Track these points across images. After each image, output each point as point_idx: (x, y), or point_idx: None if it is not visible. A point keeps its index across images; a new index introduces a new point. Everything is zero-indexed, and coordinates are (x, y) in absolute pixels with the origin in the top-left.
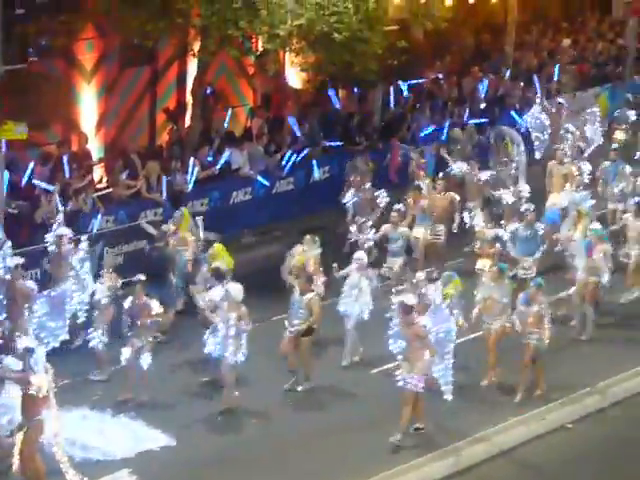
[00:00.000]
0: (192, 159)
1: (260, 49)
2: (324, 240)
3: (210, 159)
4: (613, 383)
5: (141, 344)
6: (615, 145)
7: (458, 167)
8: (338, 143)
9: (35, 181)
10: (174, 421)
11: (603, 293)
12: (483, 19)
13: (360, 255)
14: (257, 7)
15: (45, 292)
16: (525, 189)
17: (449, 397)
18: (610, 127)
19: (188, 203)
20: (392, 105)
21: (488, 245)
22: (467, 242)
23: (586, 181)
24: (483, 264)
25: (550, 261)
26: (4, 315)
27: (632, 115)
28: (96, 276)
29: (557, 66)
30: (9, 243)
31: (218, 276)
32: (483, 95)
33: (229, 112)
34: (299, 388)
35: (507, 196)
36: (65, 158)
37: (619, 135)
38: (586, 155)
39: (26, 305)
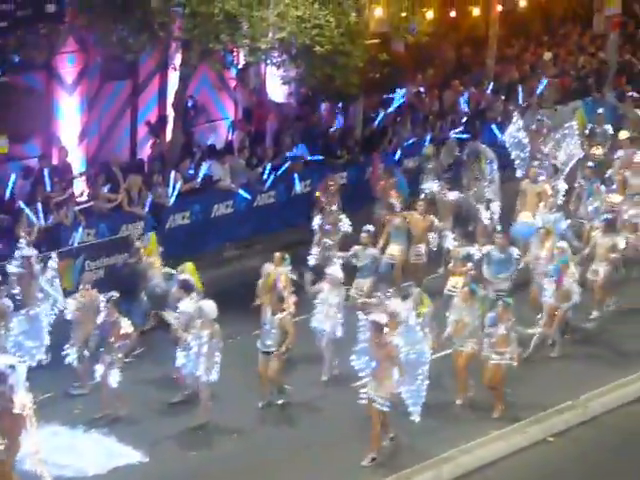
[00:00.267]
0: (173, 172)
1: (242, 62)
2: (304, 254)
3: (192, 172)
4: (591, 397)
5: (110, 360)
6: (590, 163)
7: (428, 187)
8: (317, 157)
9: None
10: (146, 437)
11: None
12: (464, 33)
13: (332, 270)
14: (238, 20)
15: (22, 311)
16: (496, 209)
17: (417, 418)
18: (588, 143)
19: (169, 217)
20: (376, 120)
21: (460, 263)
22: (440, 263)
23: (560, 202)
24: (455, 282)
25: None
26: None
27: (610, 131)
28: (76, 291)
29: (544, 81)
30: None
31: (186, 288)
32: (464, 109)
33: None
34: (279, 402)
35: (482, 214)
36: (46, 172)
37: (597, 151)
38: (563, 174)
39: (2, 323)
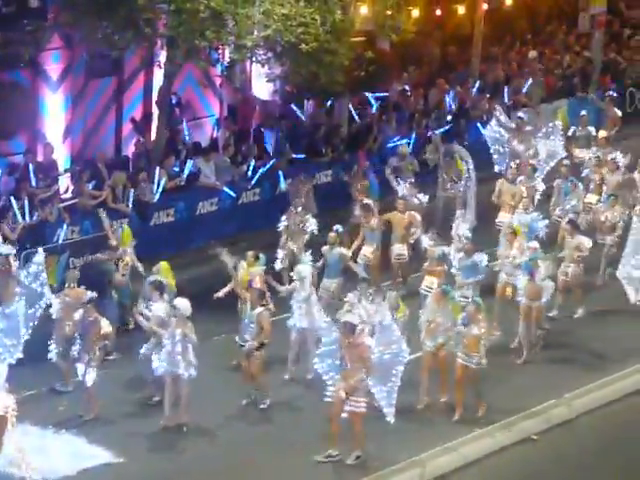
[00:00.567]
0: (158, 169)
1: (227, 60)
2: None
3: (176, 169)
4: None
5: (88, 359)
6: (566, 162)
7: (400, 188)
8: (301, 156)
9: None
10: (117, 438)
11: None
12: (450, 31)
13: (301, 269)
14: (224, 18)
15: None
16: (471, 221)
17: (391, 419)
18: (570, 143)
19: (154, 214)
20: (357, 117)
21: (436, 263)
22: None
23: (537, 200)
24: (431, 281)
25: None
26: None
27: (593, 132)
28: (60, 288)
29: (529, 80)
30: None
31: (158, 289)
32: (450, 107)
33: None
34: (261, 406)
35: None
36: (31, 168)
37: (580, 153)
38: (542, 173)
39: None
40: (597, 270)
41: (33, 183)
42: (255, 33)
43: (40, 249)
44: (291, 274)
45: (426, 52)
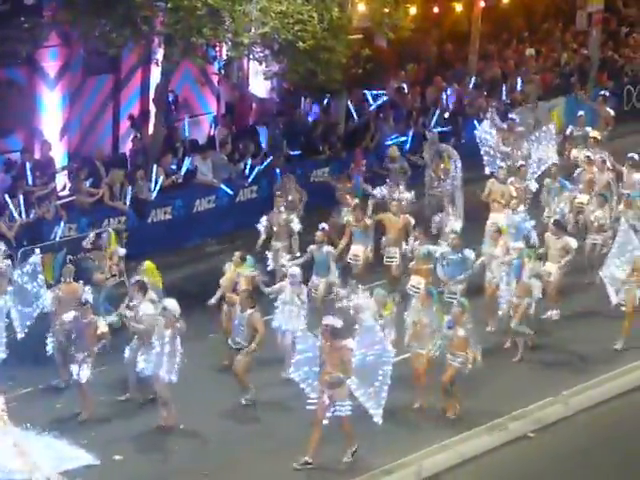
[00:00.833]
0: (156, 167)
1: (224, 57)
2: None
3: (174, 167)
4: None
5: (82, 357)
6: (556, 162)
7: (377, 191)
8: (297, 152)
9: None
10: (98, 439)
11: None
12: (447, 29)
13: (294, 271)
14: (221, 15)
15: None
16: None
17: (379, 420)
18: (566, 144)
19: (152, 211)
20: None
21: (422, 262)
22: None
23: (528, 201)
24: (417, 281)
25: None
26: None
27: (590, 132)
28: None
29: (526, 78)
30: None
31: (141, 289)
32: (447, 104)
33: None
34: (242, 401)
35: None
36: (28, 166)
37: (576, 153)
38: (535, 174)
39: None
40: (585, 270)
41: (30, 181)
42: (252, 30)
43: (37, 250)
44: (283, 269)
45: (423, 50)
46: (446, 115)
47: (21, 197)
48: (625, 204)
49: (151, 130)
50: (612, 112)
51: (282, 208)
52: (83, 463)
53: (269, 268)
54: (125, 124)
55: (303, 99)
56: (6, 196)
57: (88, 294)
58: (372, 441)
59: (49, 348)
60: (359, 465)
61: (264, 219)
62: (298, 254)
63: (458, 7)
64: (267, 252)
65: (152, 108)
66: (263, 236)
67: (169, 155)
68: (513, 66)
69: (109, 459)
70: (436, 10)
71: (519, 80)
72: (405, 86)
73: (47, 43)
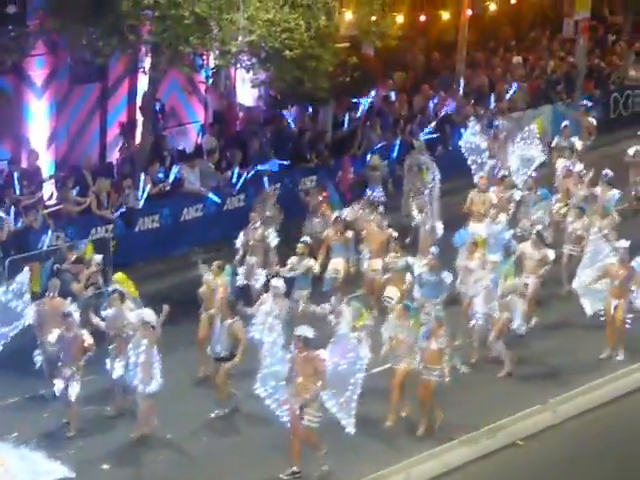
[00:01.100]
0: (143, 176)
1: (211, 66)
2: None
3: (161, 176)
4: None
5: (70, 373)
6: (534, 173)
7: (346, 212)
8: (285, 162)
9: None
10: (74, 452)
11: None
12: (434, 37)
13: (276, 283)
14: (208, 24)
15: None
16: (439, 227)
17: (351, 430)
18: (552, 153)
19: (139, 220)
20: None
21: (397, 274)
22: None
23: (511, 210)
24: (392, 291)
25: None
26: None
27: (577, 143)
28: (43, 295)
29: (515, 85)
30: None
31: (119, 298)
32: (434, 113)
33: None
34: (213, 414)
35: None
36: (16, 175)
37: (562, 164)
38: (522, 175)
39: None
40: (561, 281)
41: (17, 191)
42: (239, 39)
43: (26, 268)
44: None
45: (410, 58)
46: (433, 123)
47: (9, 206)
48: (601, 215)
49: (138, 139)
50: (594, 122)
51: (257, 224)
52: (58, 476)
53: (240, 283)
54: (112, 132)
55: (290, 106)
56: None
57: (72, 307)
58: (358, 450)
59: (37, 361)
60: (345, 474)
61: (241, 235)
62: (277, 267)
63: (445, 15)
64: (240, 267)
65: (139, 117)
66: (241, 252)
67: (156, 164)
68: (500, 74)
69: (97, 468)
70: (423, 18)
71: (510, 87)
72: (392, 94)
73: (34, 52)
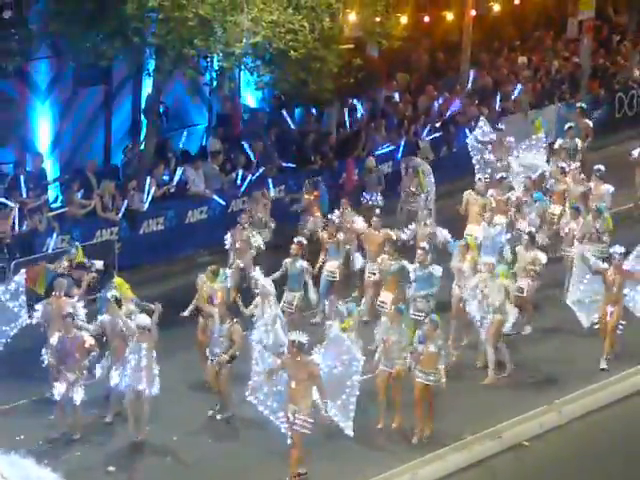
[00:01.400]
0: (148, 178)
1: (216, 68)
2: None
3: (166, 178)
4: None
5: (74, 377)
6: (531, 175)
7: (333, 216)
8: (291, 165)
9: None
10: (65, 459)
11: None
12: (438, 38)
13: (263, 283)
14: (212, 26)
15: None
16: (443, 233)
17: (350, 433)
18: (554, 155)
19: (144, 222)
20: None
21: (390, 278)
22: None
23: (510, 213)
24: (386, 297)
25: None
26: None
27: (579, 144)
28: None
29: (519, 86)
30: None
31: (116, 304)
32: (449, 112)
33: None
34: (218, 417)
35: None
36: (22, 178)
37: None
38: (524, 178)
39: None
40: (558, 285)
41: (23, 194)
42: (244, 40)
43: (22, 270)
44: (256, 290)
45: (415, 59)
46: (437, 124)
47: (16, 209)
48: (593, 216)
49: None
50: (590, 123)
51: (246, 225)
52: None
53: (229, 285)
54: (117, 135)
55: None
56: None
57: (75, 308)
58: (364, 452)
59: (44, 359)
60: (349, 475)
61: (228, 236)
62: (257, 268)
63: (449, 16)
64: (228, 269)
65: (143, 119)
66: (232, 255)
67: (161, 166)
68: (505, 74)
69: (100, 472)
70: (427, 19)
71: (514, 88)
72: (397, 95)
73: (38, 55)
